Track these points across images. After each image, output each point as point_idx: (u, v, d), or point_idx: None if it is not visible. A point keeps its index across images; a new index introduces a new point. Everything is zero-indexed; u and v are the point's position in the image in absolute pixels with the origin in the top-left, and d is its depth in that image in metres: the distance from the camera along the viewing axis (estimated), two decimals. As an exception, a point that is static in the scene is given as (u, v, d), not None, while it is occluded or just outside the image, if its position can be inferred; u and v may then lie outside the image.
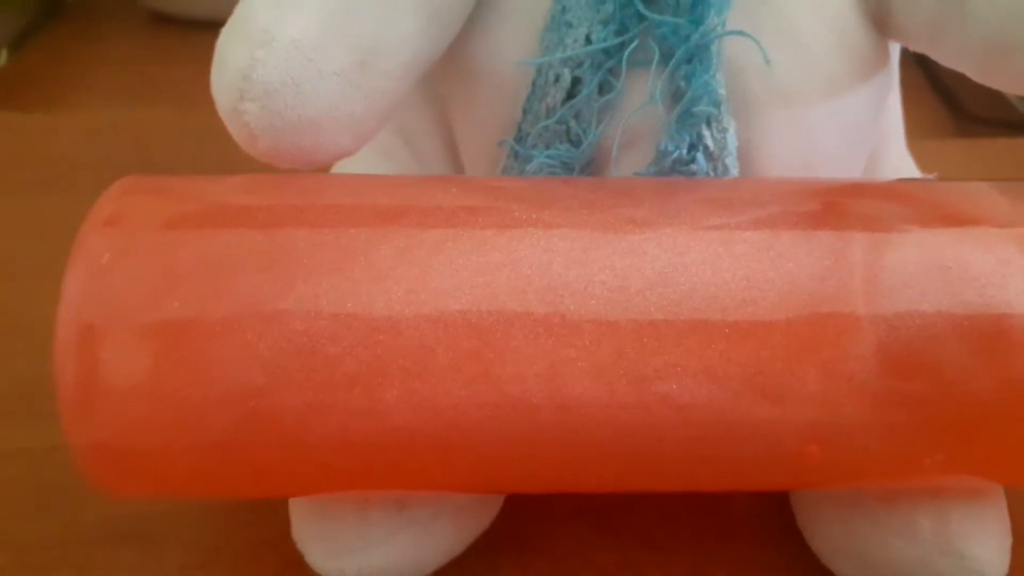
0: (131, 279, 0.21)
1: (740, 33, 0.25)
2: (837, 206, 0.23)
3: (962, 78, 0.27)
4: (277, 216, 0.22)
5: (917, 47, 0.28)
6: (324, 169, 0.27)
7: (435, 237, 0.22)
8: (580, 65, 0.26)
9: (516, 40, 0.27)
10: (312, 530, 0.26)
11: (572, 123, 0.27)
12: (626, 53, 0.25)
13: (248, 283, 0.21)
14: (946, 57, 0.27)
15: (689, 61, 0.25)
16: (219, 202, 0.22)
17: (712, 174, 0.26)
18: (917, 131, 0.54)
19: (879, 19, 0.28)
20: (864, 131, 0.30)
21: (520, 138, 0.28)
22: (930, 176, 0.31)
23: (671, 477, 0.24)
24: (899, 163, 0.33)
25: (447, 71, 0.29)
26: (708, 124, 0.26)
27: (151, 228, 0.22)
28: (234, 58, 0.23)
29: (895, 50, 0.31)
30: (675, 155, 0.26)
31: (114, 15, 0.65)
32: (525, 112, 0.27)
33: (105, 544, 0.29)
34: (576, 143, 0.27)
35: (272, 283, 0.21)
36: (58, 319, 0.21)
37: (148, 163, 0.45)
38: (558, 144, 0.27)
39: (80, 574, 0.28)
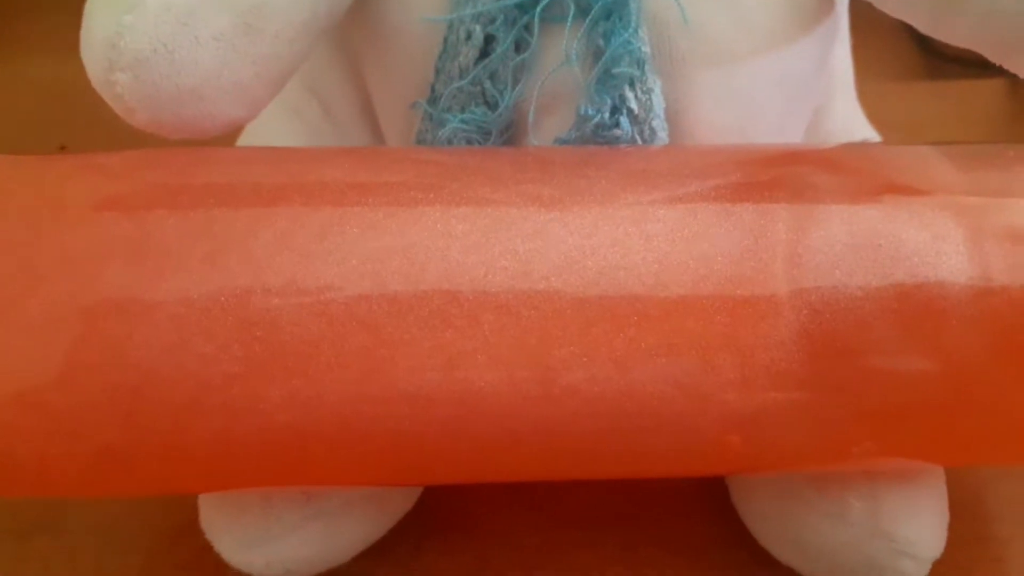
0: (-13, 274, 0.19)
1: (659, -14, 0.23)
2: (762, 178, 0.21)
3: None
4: (146, 200, 0.20)
5: (863, -5, 0.26)
6: (225, 138, 0.25)
7: (320, 220, 0.20)
8: (493, 21, 0.24)
9: (426, -7, 0.25)
10: (219, 521, 0.25)
11: (487, 84, 0.25)
12: (539, 8, 0.23)
13: (114, 277, 0.19)
14: (893, 7, 0.25)
15: (607, 17, 0.23)
16: (84, 187, 0.20)
17: (638, 139, 0.25)
18: (888, 72, 0.52)
19: (822, -34, 0.26)
20: (806, 87, 0.28)
21: (433, 100, 0.26)
22: (873, 136, 0.29)
23: (583, 467, 0.22)
24: (847, 116, 0.31)
25: (357, 27, 0.27)
26: (631, 85, 0.24)
27: (9, 219, 0.20)
28: (101, 25, 0.21)
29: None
30: (596, 119, 0.24)
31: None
32: (438, 72, 0.25)
33: (14, 536, 0.28)
34: (492, 105, 0.25)
35: (139, 276, 0.19)
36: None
37: (68, 125, 0.42)
38: (473, 107, 0.25)
39: (-13, 568, 0.27)
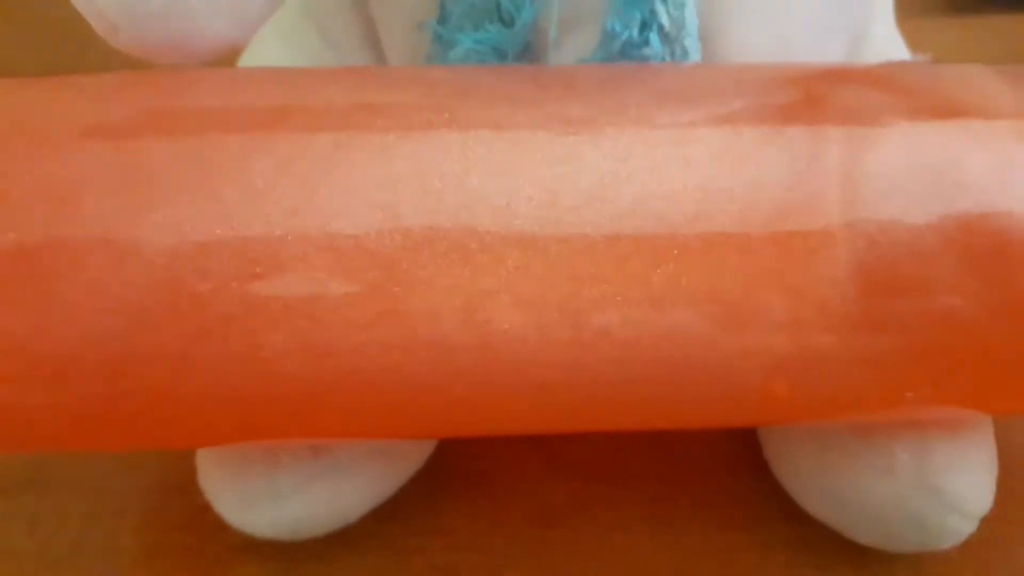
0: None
1: None
2: (812, 97, 0.20)
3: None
4: (132, 125, 0.18)
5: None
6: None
7: (324, 144, 0.18)
8: (509, -72, 0.22)
9: (434, -101, 0.23)
10: (219, 478, 0.23)
11: None
12: (562, -89, 0.21)
13: (97, 209, 0.17)
14: None
15: (638, -79, 0.21)
16: (64, 111, 0.18)
17: (669, 59, 0.23)
18: (908, 8, 0.50)
19: None
20: (845, 6, 0.26)
21: (443, 18, 0.24)
22: (922, 58, 0.27)
23: (615, 418, 0.21)
24: (886, 43, 0.29)
25: (358, -59, 0.25)
26: (663, -1, 0.22)
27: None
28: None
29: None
30: (624, 36, 0.22)
31: None
32: (448, -13, 0.23)
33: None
34: (508, 23, 0.23)
35: (126, 208, 0.17)
36: None
37: (55, 66, 0.40)
38: (487, 24, 0.23)
39: (-28, 527, 0.26)
